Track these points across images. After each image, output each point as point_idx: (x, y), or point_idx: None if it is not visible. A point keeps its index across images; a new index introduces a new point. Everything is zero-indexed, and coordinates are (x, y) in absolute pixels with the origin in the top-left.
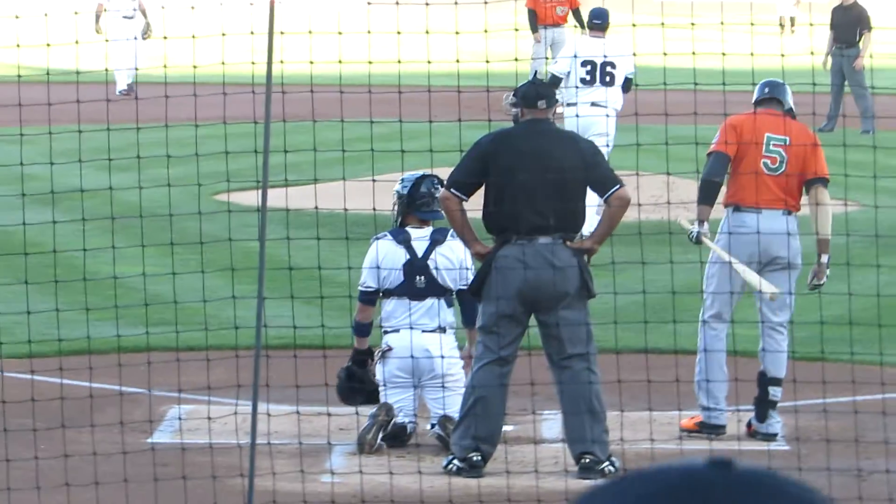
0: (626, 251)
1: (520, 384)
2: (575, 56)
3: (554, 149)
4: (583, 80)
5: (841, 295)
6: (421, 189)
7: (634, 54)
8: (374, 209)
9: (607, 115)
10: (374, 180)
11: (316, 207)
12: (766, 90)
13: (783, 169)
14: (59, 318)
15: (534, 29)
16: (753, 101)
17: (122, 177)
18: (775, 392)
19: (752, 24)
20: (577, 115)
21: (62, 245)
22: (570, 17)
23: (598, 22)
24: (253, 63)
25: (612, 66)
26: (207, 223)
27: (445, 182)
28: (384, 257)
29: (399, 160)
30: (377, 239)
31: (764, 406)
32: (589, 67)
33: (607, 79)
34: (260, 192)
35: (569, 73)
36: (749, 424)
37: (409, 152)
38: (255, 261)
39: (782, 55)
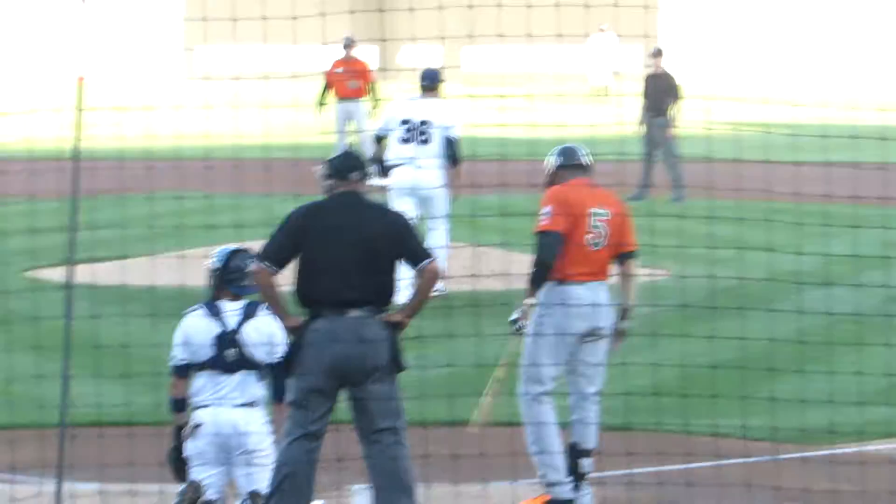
0: (434, 324)
1: (329, 459)
2: (395, 117)
3: (365, 222)
4: (402, 140)
5: (647, 365)
6: (233, 263)
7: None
8: (183, 284)
9: (426, 174)
10: (182, 256)
11: (123, 284)
12: (570, 157)
13: (603, 243)
14: None
15: (319, 103)
16: (555, 167)
17: None
18: (587, 464)
19: (560, 94)
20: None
21: None
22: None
23: (426, 83)
24: (63, 138)
25: (428, 125)
26: (14, 301)
27: (257, 255)
28: (195, 330)
29: (209, 234)
30: (189, 312)
31: (575, 478)
32: (407, 126)
33: (422, 138)
34: (67, 268)
35: (391, 132)
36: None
37: (218, 227)
38: (62, 338)
39: (591, 125)
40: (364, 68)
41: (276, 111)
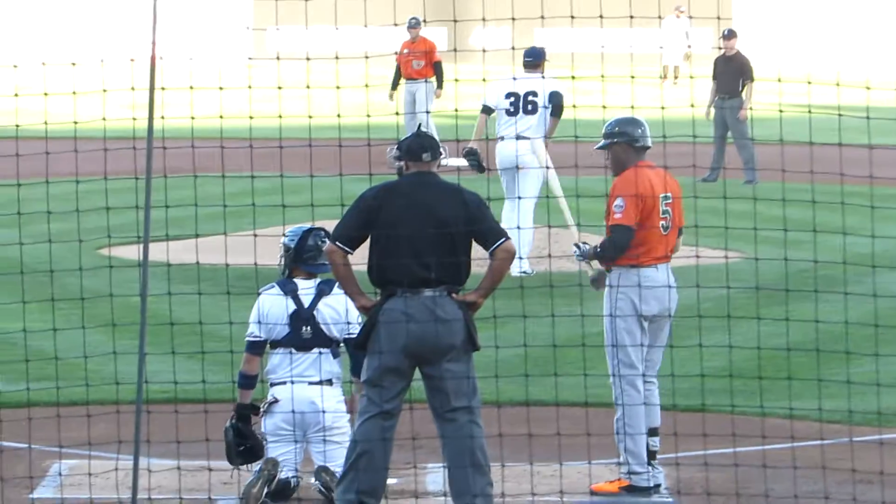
0: (508, 304)
1: (403, 438)
2: (501, 91)
3: (438, 202)
4: (507, 111)
5: (722, 347)
6: (308, 242)
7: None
8: (256, 264)
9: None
10: (255, 235)
11: (197, 262)
12: (638, 135)
13: (670, 226)
14: None
15: (393, 86)
16: (624, 143)
17: (3, 233)
18: (655, 442)
19: (632, 76)
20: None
21: None
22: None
23: (530, 60)
24: (134, 119)
25: (534, 94)
26: (89, 278)
27: (331, 235)
28: (270, 308)
29: (280, 214)
30: (264, 290)
31: (647, 458)
32: (513, 99)
33: (529, 108)
34: (141, 246)
35: (496, 106)
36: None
37: (291, 207)
38: (137, 316)
39: (662, 107)
40: (429, 48)
41: (347, 92)
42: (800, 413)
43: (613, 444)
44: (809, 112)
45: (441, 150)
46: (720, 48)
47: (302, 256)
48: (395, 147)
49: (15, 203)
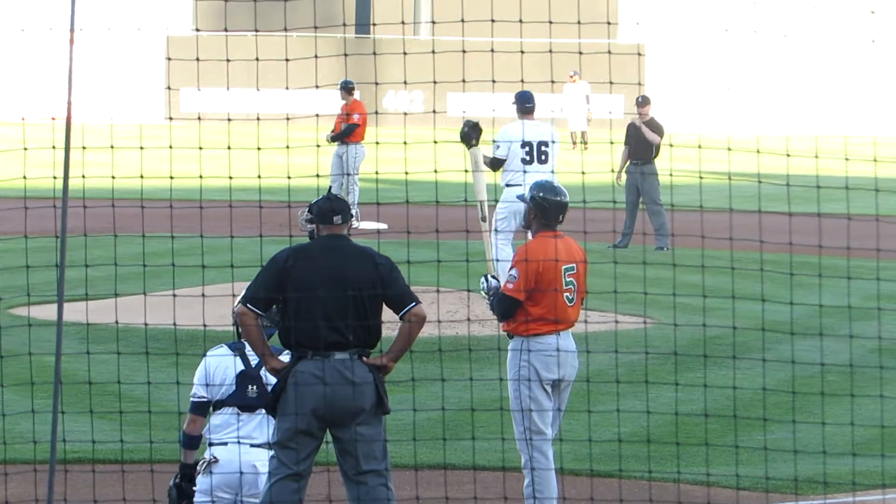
0: (425, 368)
1: (317, 500)
2: (514, 139)
3: (349, 265)
4: (523, 161)
5: (638, 412)
6: None
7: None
8: (175, 324)
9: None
10: (174, 295)
11: (116, 322)
12: (559, 198)
13: (575, 297)
14: None
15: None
16: (539, 210)
17: None
18: None
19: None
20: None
21: None
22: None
23: (530, 106)
24: (55, 178)
25: (546, 144)
26: (5, 337)
27: (241, 297)
28: (217, 367)
29: (199, 274)
30: (212, 350)
31: None
32: (528, 148)
33: (543, 157)
34: (56, 306)
35: (507, 155)
36: None
37: (210, 267)
38: (52, 375)
39: (583, 172)
40: (350, 110)
41: (267, 153)
42: (716, 479)
43: None
44: (721, 178)
45: (352, 212)
46: (637, 115)
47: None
48: (307, 210)
49: None
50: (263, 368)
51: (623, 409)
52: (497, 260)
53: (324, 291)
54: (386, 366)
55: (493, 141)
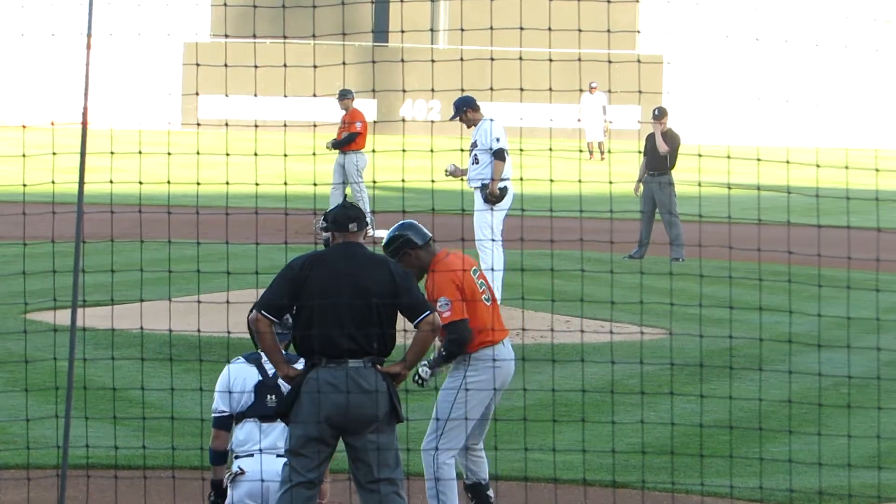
0: (440, 376)
1: None
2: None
3: (364, 273)
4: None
5: (635, 423)
6: None
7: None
8: (171, 330)
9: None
10: (198, 301)
11: (141, 328)
12: (422, 236)
13: (491, 297)
14: None
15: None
16: (413, 248)
17: None
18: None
19: (550, 149)
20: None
21: None
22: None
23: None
24: (82, 182)
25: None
26: (29, 342)
27: (256, 304)
28: (235, 379)
29: (224, 280)
30: (231, 362)
31: None
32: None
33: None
34: (60, 311)
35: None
36: None
37: (207, 273)
38: (56, 379)
39: (580, 181)
40: (351, 119)
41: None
42: (740, 491)
43: None
44: (741, 190)
45: (367, 220)
46: (646, 122)
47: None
48: (322, 218)
49: None
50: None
51: (646, 420)
52: (495, 269)
53: (339, 299)
54: (400, 374)
55: (496, 139)
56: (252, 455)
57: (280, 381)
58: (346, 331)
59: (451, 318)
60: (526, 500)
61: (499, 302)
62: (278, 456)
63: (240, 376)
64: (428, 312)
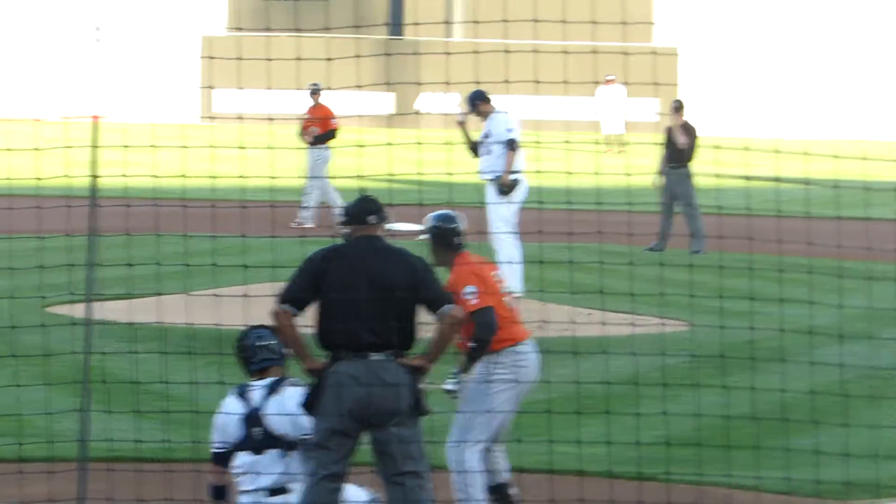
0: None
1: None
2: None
3: (384, 266)
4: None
5: (659, 415)
6: (245, 345)
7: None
8: (218, 324)
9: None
10: (216, 294)
11: (159, 321)
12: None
13: (511, 303)
14: None
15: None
16: (448, 236)
17: None
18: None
19: (567, 142)
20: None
21: None
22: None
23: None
24: (95, 176)
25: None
26: (37, 335)
27: (278, 297)
28: (226, 413)
29: (242, 274)
30: (222, 404)
31: None
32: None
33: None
34: (82, 304)
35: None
36: None
37: (223, 267)
38: (75, 372)
39: (598, 173)
40: (324, 115)
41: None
42: (767, 483)
43: None
44: (757, 183)
45: (386, 213)
46: (665, 115)
47: (244, 357)
48: (342, 212)
49: None
50: (267, 405)
51: (670, 412)
52: (514, 262)
53: (359, 292)
54: (422, 366)
55: (508, 129)
56: (248, 493)
57: (264, 411)
58: (367, 324)
59: (478, 305)
60: (551, 492)
61: (520, 294)
62: (269, 496)
63: (230, 409)
64: (449, 305)
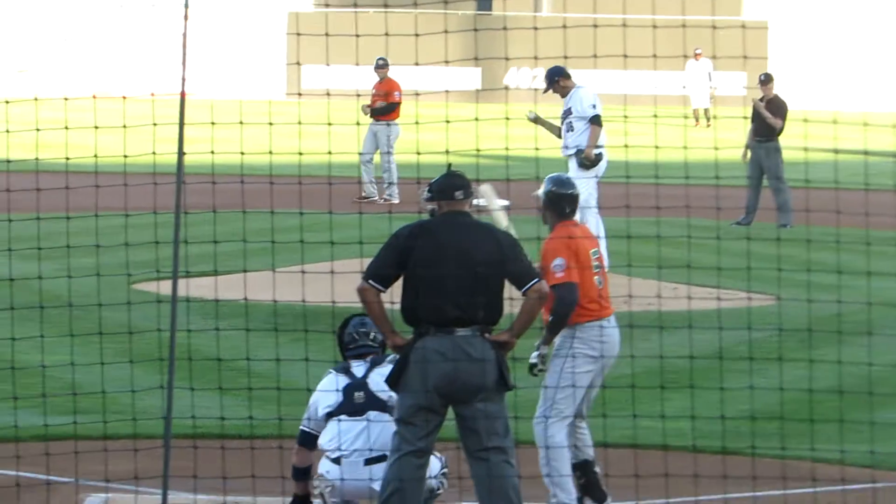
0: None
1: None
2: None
3: (472, 241)
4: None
5: (744, 389)
6: (346, 332)
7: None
8: (276, 301)
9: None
10: (303, 271)
11: (245, 298)
12: (570, 190)
13: (603, 280)
14: None
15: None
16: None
17: (44, 266)
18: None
19: (655, 116)
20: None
21: None
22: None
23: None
24: (182, 153)
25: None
26: (123, 312)
27: (364, 273)
28: (324, 388)
29: (328, 250)
30: (321, 383)
31: (598, 486)
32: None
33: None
34: (179, 281)
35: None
36: None
37: (310, 244)
38: (160, 350)
39: (685, 147)
40: (388, 89)
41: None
42: (851, 457)
43: (663, 485)
44: (845, 155)
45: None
46: (761, 94)
47: (346, 347)
48: (427, 188)
49: (59, 236)
50: (370, 376)
51: (755, 386)
52: (600, 237)
53: (446, 268)
54: (508, 342)
55: (591, 105)
56: (340, 459)
57: (368, 380)
58: (453, 300)
59: (562, 280)
60: (635, 467)
61: (607, 269)
62: (365, 463)
63: (328, 385)
64: (536, 280)
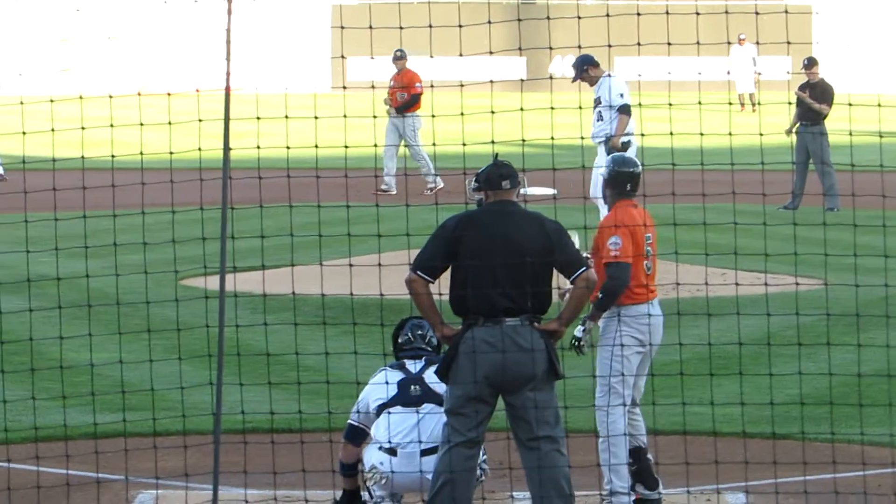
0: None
1: (493, 467)
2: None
3: (519, 231)
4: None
5: (793, 374)
6: (402, 333)
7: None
8: (323, 294)
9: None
10: (350, 265)
11: (293, 292)
12: (634, 169)
13: (652, 266)
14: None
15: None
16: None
17: (91, 264)
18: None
19: (699, 102)
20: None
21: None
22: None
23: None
24: (228, 148)
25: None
26: (171, 308)
27: (412, 264)
28: (378, 383)
29: (375, 242)
30: (372, 377)
31: (651, 473)
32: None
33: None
34: (227, 276)
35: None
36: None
37: (357, 236)
38: (209, 345)
39: (730, 133)
40: (408, 81)
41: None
42: (871, 439)
43: (713, 472)
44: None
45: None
46: (805, 79)
47: (400, 349)
48: (474, 178)
49: (105, 233)
50: (427, 373)
51: (804, 371)
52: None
53: (493, 258)
54: (557, 330)
55: (620, 94)
56: (394, 449)
57: (424, 375)
58: (502, 289)
59: (616, 259)
60: (686, 453)
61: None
62: (420, 455)
63: (382, 380)
64: (584, 269)
